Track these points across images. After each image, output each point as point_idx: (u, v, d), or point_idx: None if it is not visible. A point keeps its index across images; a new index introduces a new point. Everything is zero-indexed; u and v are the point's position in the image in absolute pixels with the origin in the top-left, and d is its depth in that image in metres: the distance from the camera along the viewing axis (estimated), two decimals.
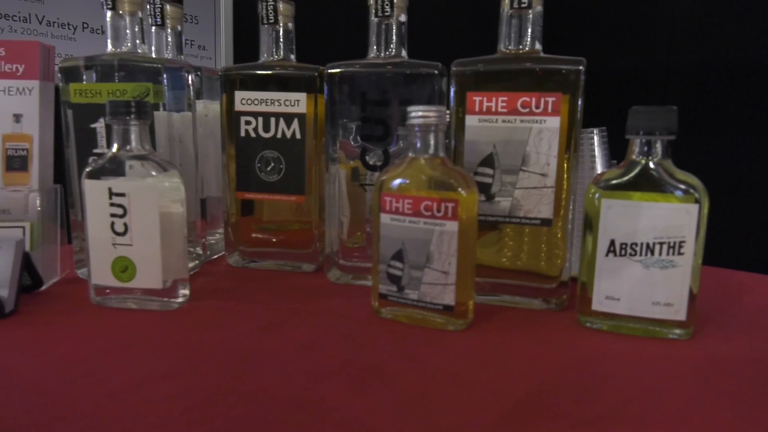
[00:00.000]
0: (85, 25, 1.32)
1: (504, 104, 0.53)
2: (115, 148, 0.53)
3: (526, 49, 0.54)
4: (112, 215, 0.53)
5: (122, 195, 0.52)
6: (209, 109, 0.72)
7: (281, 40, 0.65)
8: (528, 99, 0.53)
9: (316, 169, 0.66)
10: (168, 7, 0.70)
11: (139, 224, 0.53)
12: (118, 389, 0.37)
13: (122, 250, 0.53)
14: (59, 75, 0.61)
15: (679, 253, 0.47)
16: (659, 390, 0.39)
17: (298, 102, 0.64)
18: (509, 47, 0.54)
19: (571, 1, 2.13)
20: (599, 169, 0.64)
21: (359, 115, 0.61)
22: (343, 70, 0.61)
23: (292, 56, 0.66)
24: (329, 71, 0.61)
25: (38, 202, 0.59)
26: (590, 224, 0.50)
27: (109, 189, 0.52)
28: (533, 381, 0.40)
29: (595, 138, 0.64)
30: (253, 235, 0.70)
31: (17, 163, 0.60)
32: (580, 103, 0.53)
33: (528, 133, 0.53)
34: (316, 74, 0.64)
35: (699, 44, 1.95)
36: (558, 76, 0.52)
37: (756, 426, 0.35)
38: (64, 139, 0.63)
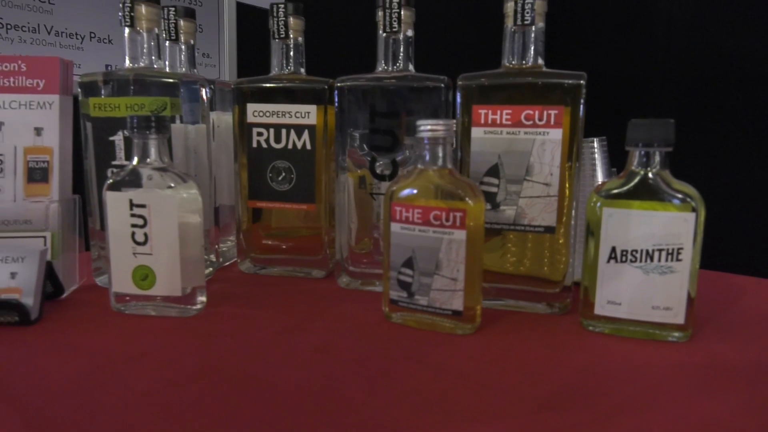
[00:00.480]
0: (93, 35, 1.34)
1: (508, 117, 0.56)
2: (135, 161, 0.55)
3: (529, 63, 0.56)
4: (133, 225, 0.55)
5: (143, 206, 0.54)
6: (221, 120, 0.74)
7: (291, 53, 0.68)
8: (531, 112, 0.55)
9: (325, 177, 0.69)
10: (181, 21, 0.72)
11: (159, 234, 0.55)
12: (147, 392, 0.40)
13: (142, 259, 0.55)
14: (79, 89, 0.63)
15: (678, 260, 0.49)
16: (659, 391, 0.41)
17: (308, 114, 0.66)
18: (512, 62, 0.57)
19: (571, 6, 2.16)
20: (600, 176, 0.66)
21: (368, 127, 0.63)
22: (352, 83, 0.63)
23: (302, 69, 0.69)
24: (339, 85, 0.63)
25: (58, 212, 0.62)
26: (592, 232, 0.52)
27: (130, 200, 0.54)
28: (540, 383, 0.42)
29: (596, 147, 0.66)
30: (264, 242, 0.72)
31: (38, 174, 0.63)
32: (581, 115, 0.55)
33: (531, 145, 0.55)
34: (326, 87, 0.66)
35: (696, 48, 1.97)
36: (560, 90, 0.55)
37: (754, 426, 0.37)
38: (83, 150, 0.65)
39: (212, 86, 0.69)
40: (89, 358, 0.46)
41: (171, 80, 0.62)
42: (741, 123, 1.88)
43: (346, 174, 0.65)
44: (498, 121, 0.56)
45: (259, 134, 0.68)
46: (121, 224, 0.55)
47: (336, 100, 0.64)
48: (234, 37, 1.61)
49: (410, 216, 0.52)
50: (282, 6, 0.66)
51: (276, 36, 0.67)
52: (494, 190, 0.57)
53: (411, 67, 0.63)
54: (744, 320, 0.57)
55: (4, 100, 0.62)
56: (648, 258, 0.50)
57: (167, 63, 0.73)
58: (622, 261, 0.50)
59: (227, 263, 0.78)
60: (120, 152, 0.63)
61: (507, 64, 0.57)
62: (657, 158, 0.49)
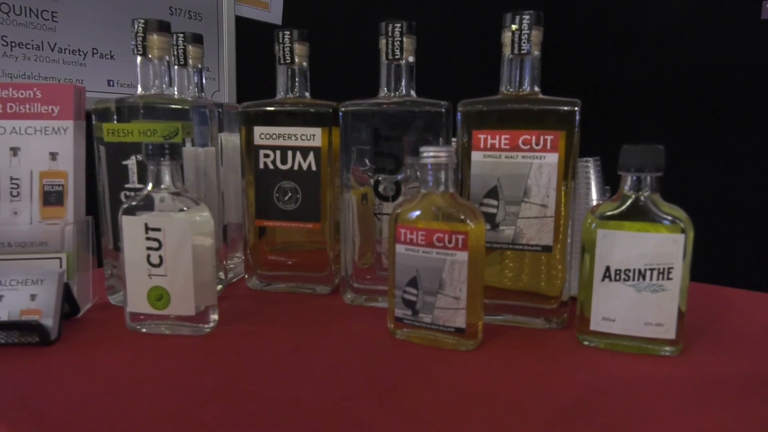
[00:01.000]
0: (95, 51, 1.36)
1: (506, 141, 0.58)
2: (150, 186, 0.57)
3: (526, 90, 0.59)
4: (148, 248, 0.57)
5: (158, 230, 0.57)
6: (228, 141, 0.76)
7: (297, 78, 0.70)
8: (528, 137, 0.58)
9: (330, 196, 0.71)
10: (190, 47, 0.75)
11: (173, 256, 0.57)
12: (173, 412, 0.42)
13: (157, 280, 0.58)
14: (93, 117, 0.66)
15: (668, 278, 0.52)
16: (652, 405, 0.44)
17: (313, 136, 0.69)
18: (510, 89, 0.59)
19: (568, 11, 2.20)
20: (594, 194, 0.69)
21: (372, 149, 0.66)
22: (356, 108, 0.66)
23: (307, 93, 0.71)
24: (344, 109, 0.66)
25: (73, 234, 0.64)
26: (587, 251, 0.55)
27: (146, 224, 0.57)
28: (541, 399, 0.45)
29: (591, 166, 0.69)
30: (269, 257, 0.75)
31: (53, 198, 0.65)
32: (575, 139, 0.58)
33: (529, 168, 0.58)
34: (330, 110, 0.69)
35: (686, 55, 2.01)
36: (556, 116, 0.57)
37: None
38: (97, 173, 0.67)
39: (220, 110, 0.71)
40: (111, 377, 0.48)
41: (182, 107, 0.64)
42: (734, 132, 1.92)
43: (350, 192, 0.68)
44: (497, 146, 0.59)
45: (266, 156, 0.71)
46: (136, 247, 0.57)
47: (341, 123, 0.66)
48: (233, 51, 1.63)
49: (414, 238, 0.54)
50: (287, 33, 0.68)
51: (282, 61, 0.69)
52: (494, 211, 0.60)
53: (412, 92, 0.66)
54: (733, 333, 0.60)
55: (20, 126, 0.64)
56: (640, 277, 0.52)
57: (176, 88, 0.75)
58: (615, 280, 0.53)
59: (235, 279, 0.80)
60: (133, 175, 0.65)
61: (505, 91, 0.60)
62: (648, 183, 0.52)
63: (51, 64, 1.29)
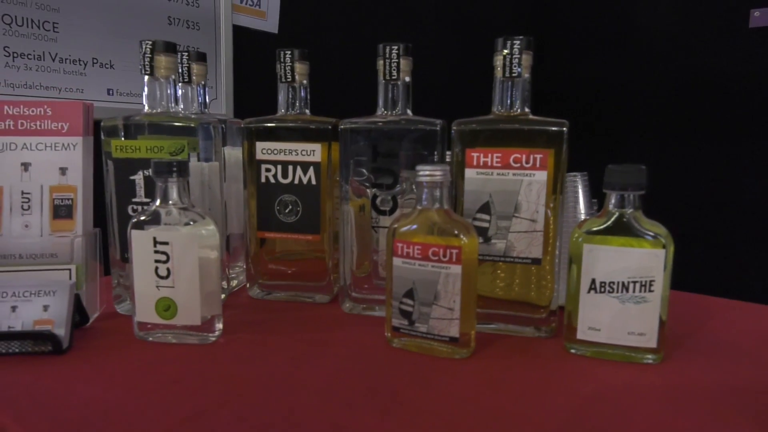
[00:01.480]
0: (95, 60, 1.39)
1: (498, 159, 0.61)
2: (158, 202, 0.60)
3: (517, 111, 0.62)
4: (157, 261, 0.60)
5: (165, 243, 0.59)
6: (230, 154, 0.79)
7: (297, 95, 0.73)
8: (519, 155, 0.61)
9: (329, 208, 0.74)
10: (194, 65, 0.77)
11: (181, 268, 0.60)
12: (186, 418, 0.45)
13: (165, 292, 0.60)
14: (102, 133, 0.68)
15: (650, 290, 0.55)
16: (635, 412, 0.47)
17: (313, 152, 0.72)
18: (501, 110, 0.62)
19: (560, 18, 2.24)
20: (582, 208, 0.73)
21: (370, 166, 0.69)
22: (355, 126, 0.68)
23: (307, 110, 0.74)
24: (342, 127, 0.69)
25: (82, 246, 0.66)
26: (574, 263, 0.58)
27: (154, 238, 0.59)
28: (530, 404, 0.48)
29: (579, 182, 0.72)
30: (270, 266, 0.77)
31: (63, 211, 0.67)
32: (564, 157, 0.61)
33: (519, 185, 0.61)
34: (330, 127, 0.72)
35: (675, 64, 2.05)
36: (545, 136, 0.61)
37: None
38: (105, 187, 0.70)
39: (224, 126, 0.74)
40: (123, 385, 0.51)
41: (188, 125, 0.67)
42: (723, 141, 1.96)
43: (348, 204, 0.71)
44: (489, 163, 0.62)
45: (268, 170, 0.73)
46: (145, 260, 0.60)
47: (340, 140, 0.69)
48: (231, 59, 1.66)
49: (411, 251, 0.57)
50: (288, 52, 0.71)
51: (283, 79, 0.72)
52: (486, 225, 0.63)
53: (409, 110, 0.69)
54: (712, 341, 0.63)
55: (31, 142, 0.67)
56: (624, 289, 0.55)
57: (181, 106, 0.78)
58: (601, 291, 0.56)
59: (237, 288, 0.83)
60: (140, 190, 0.68)
61: (496, 111, 0.63)
62: (631, 200, 0.55)
63: (52, 74, 1.31)
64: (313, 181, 0.73)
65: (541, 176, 0.61)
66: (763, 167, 1.87)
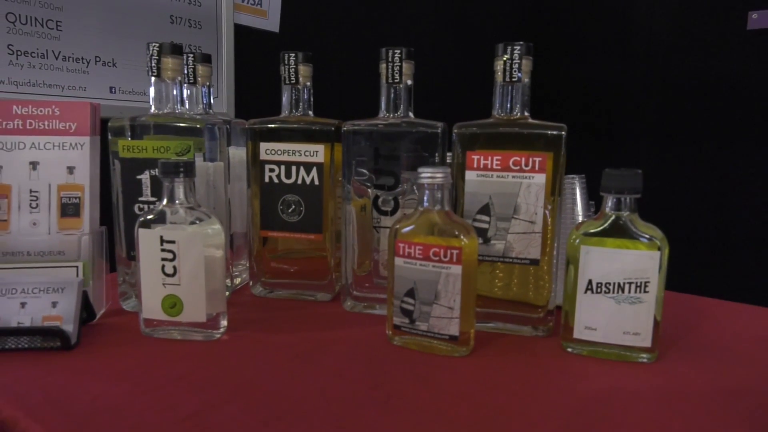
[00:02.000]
0: (98, 59, 1.39)
1: (498, 162, 0.63)
2: (165, 201, 0.61)
3: (516, 115, 0.63)
4: (163, 259, 0.61)
5: (172, 242, 0.61)
6: (235, 154, 0.80)
7: (301, 97, 0.74)
8: (518, 158, 0.62)
9: (331, 208, 0.75)
10: (199, 67, 0.78)
11: (187, 267, 0.61)
12: (193, 413, 0.46)
13: (171, 289, 0.62)
14: (109, 132, 0.69)
15: (645, 291, 0.56)
16: (629, 410, 0.49)
17: (316, 153, 0.73)
18: (501, 114, 0.64)
19: (559, 21, 2.25)
20: (579, 210, 0.74)
21: (371, 167, 0.70)
22: (357, 128, 0.70)
23: (310, 112, 0.75)
24: (345, 129, 0.70)
25: (89, 243, 0.68)
26: (571, 265, 0.59)
27: (161, 237, 0.61)
28: (527, 401, 0.50)
29: (577, 184, 0.73)
30: (273, 265, 0.79)
31: (71, 209, 0.69)
32: (562, 160, 0.62)
33: (519, 187, 0.63)
34: (333, 128, 0.73)
35: (673, 66, 2.06)
36: (544, 140, 0.62)
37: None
38: (111, 186, 0.71)
39: (228, 126, 0.75)
40: (131, 380, 0.52)
41: (194, 126, 0.68)
42: (720, 143, 1.97)
43: (350, 204, 0.72)
44: (489, 166, 0.63)
45: (271, 170, 0.75)
46: (152, 258, 0.61)
47: (342, 142, 0.71)
48: (232, 58, 1.67)
49: (412, 252, 0.59)
50: (293, 55, 0.72)
51: (287, 81, 0.74)
52: (485, 226, 0.64)
53: (410, 113, 0.70)
54: (705, 341, 0.64)
55: (39, 142, 0.68)
56: (619, 290, 0.57)
57: (186, 105, 0.79)
58: (597, 292, 0.58)
59: (240, 285, 0.84)
60: (147, 189, 0.69)
61: (496, 115, 0.64)
62: (627, 203, 0.57)
63: (55, 72, 1.32)
64: (316, 182, 0.74)
65: (540, 179, 0.62)
66: (760, 170, 1.89)
